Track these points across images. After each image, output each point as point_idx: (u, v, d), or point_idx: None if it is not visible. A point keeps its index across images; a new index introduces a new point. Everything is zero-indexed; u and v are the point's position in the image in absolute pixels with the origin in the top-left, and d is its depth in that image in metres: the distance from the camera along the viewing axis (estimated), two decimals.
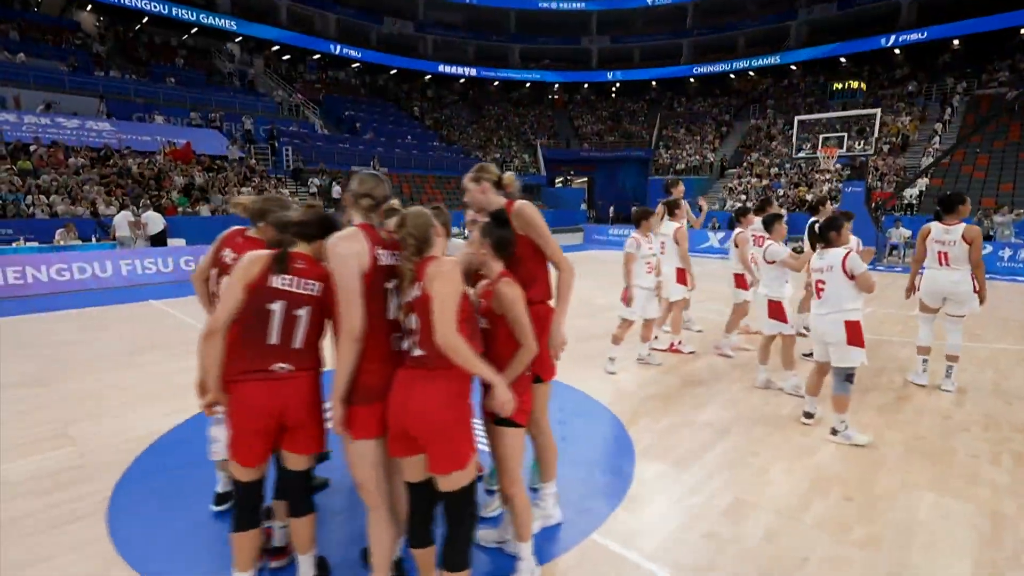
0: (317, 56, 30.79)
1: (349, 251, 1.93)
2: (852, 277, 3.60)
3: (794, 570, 2.43)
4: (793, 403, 4.35)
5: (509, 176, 2.58)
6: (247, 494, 2.12)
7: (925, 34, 26.87)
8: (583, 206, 29.07)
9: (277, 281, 2.02)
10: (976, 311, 4.65)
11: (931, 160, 20.30)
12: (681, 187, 6.84)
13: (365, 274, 1.94)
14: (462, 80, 35.93)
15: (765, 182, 22.88)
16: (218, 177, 17.47)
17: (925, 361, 4.84)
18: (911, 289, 4.92)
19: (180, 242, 13.09)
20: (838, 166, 12.68)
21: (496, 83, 36.93)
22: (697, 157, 28.53)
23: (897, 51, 28.42)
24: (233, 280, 2.01)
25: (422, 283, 1.93)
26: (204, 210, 15.74)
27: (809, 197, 20.43)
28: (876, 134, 13.65)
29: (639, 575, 2.40)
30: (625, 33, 35.81)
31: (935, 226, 4.69)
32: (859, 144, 12.50)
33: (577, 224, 26.21)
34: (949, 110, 23.04)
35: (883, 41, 27.73)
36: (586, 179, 34.21)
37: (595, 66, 36.68)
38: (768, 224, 4.55)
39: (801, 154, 13.77)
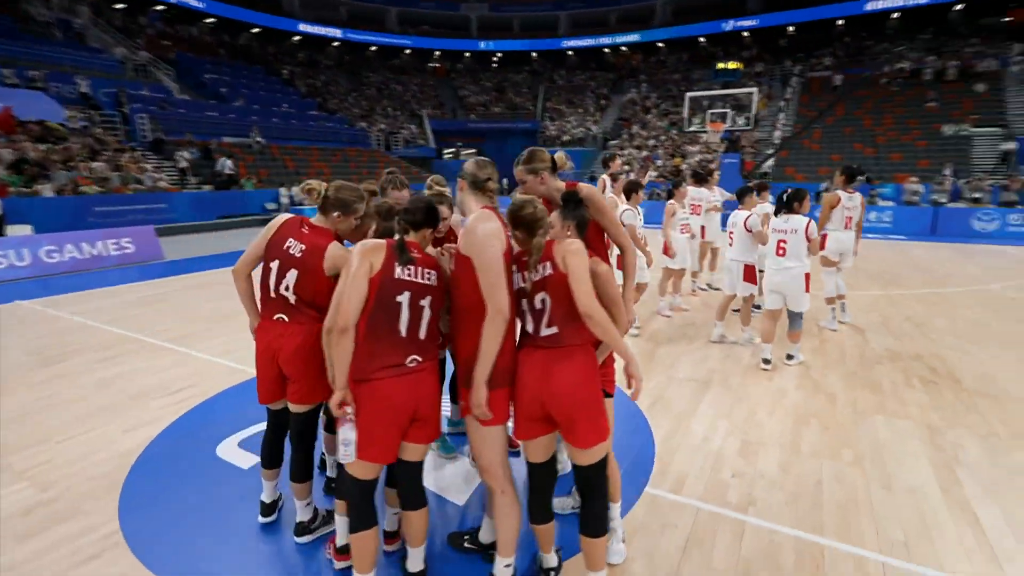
0: (162, 7, 26.73)
1: (493, 231, 1.94)
2: (809, 239, 4.30)
3: (814, 492, 2.91)
4: (748, 353, 4.98)
5: (561, 156, 2.62)
6: (366, 493, 2.05)
7: (757, 21, 30.49)
8: None
9: (401, 272, 1.94)
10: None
11: (779, 133, 23.31)
12: (618, 161, 7.24)
13: (503, 254, 1.94)
14: (336, 43, 33.51)
15: (645, 153, 24.66)
16: (58, 150, 14.70)
17: (833, 310, 5.80)
18: (821, 247, 5.82)
19: (25, 229, 10.94)
20: (720, 139, 14.27)
21: (374, 48, 34.99)
22: (582, 129, 29.76)
23: (746, 34, 31.81)
24: (357, 273, 1.89)
25: (552, 262, 1.98)
26: (46, 190, 13.22)
27: (684, 167, 22.49)
28: (754, 111, 15.46)
29: (707, 517, 2.71)
30: (504, 1, 35.73)
31: (842, 194, 5.60)
32: (740, 120, 14.09)
33: None
34: (789, 89, 26.47)
35: (724, 25, 30.99)
36: (474, 150, 34.10)
37: (475, 34, 36.28)
38: (741, 196, 5.09)
39: (692, 128, 15.15)
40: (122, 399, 4.14)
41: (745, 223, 4.88)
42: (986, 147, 19.48)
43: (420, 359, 2.01)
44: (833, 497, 2.87)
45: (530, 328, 2.06)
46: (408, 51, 36.13)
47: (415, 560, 2.22)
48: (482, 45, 35.83)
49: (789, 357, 4.74)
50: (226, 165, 17.28)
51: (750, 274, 4.98)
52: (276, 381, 2.41)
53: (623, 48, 35.36)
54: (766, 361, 4.63)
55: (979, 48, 24.72)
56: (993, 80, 22.57)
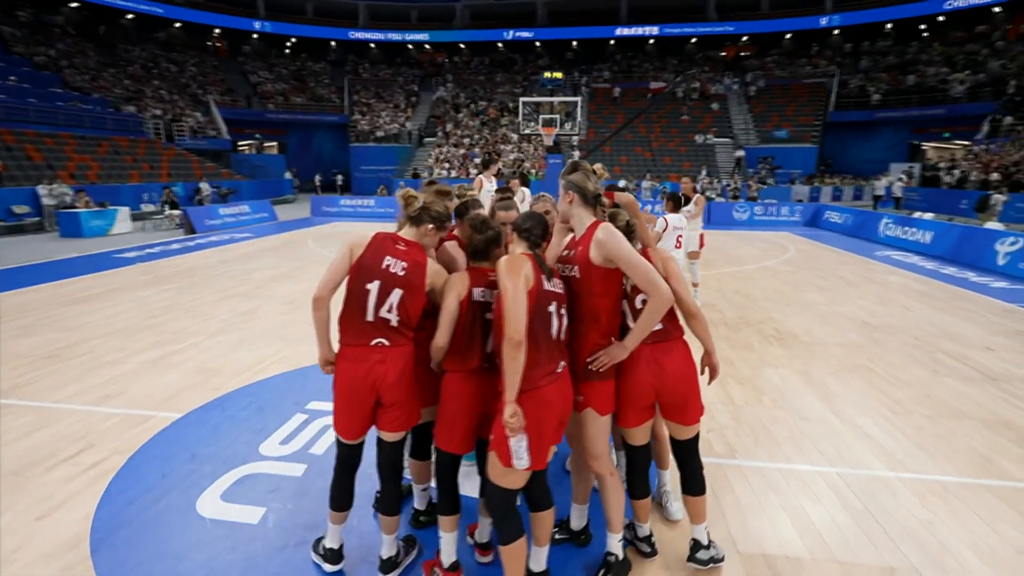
0: None
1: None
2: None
3: (766, 432, 3.73)
4: None
5: (599, 167, 2.91)
6: (513, 502, 2.09)
7: (533, 33, 33.76)
8: (288, 175, 26.37)
9: (547, 284, 2.03)
10: None
11: (577, 138, 26.33)
12: (498, 165, 7.65)
13: None
14: (73, 4, 26.99)
15: (463, 151, 25.51)
16: None
17: (695, 292, 7.11)
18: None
19: None
20: (552, 142, 15.84)
21: (130, 16, 29.10)
22: (395, 125, 29.31)
23: (538, 44, 34.90)
24: (518, 288, 1.92)
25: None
26: None
27: (500, 165, 23.94)
28: (580, 117, 17.30)
29: (714, 468, 3.29)
30: None
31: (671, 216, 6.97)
32: (568, 125, 15.72)
33: (284, 195, 23.93)
34: (580, 98, 29.97)
35: (505, 34, 33.68)
36: (275, 144, 31.01)
37: (262, 14, 32.77)
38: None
39: (527, 131, 16.35)
40: (24, 468, 3.12)
41: None
42: (725, 154, 24.95)
43: (564, 363, 2.13)
44: (780, 434, 3.72)
45: (633, 325, 2.32)
46: (178, 24, 30.98)
47: (539, 560, 2.31)
48: (256, 25, 32.16)
49: None
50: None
51: None
52: (370, 414, 2.22)
53: (427, 46, 35.68)
54: None
55: (710, 75, 31.32)
56: (722, 101, 28.89)
